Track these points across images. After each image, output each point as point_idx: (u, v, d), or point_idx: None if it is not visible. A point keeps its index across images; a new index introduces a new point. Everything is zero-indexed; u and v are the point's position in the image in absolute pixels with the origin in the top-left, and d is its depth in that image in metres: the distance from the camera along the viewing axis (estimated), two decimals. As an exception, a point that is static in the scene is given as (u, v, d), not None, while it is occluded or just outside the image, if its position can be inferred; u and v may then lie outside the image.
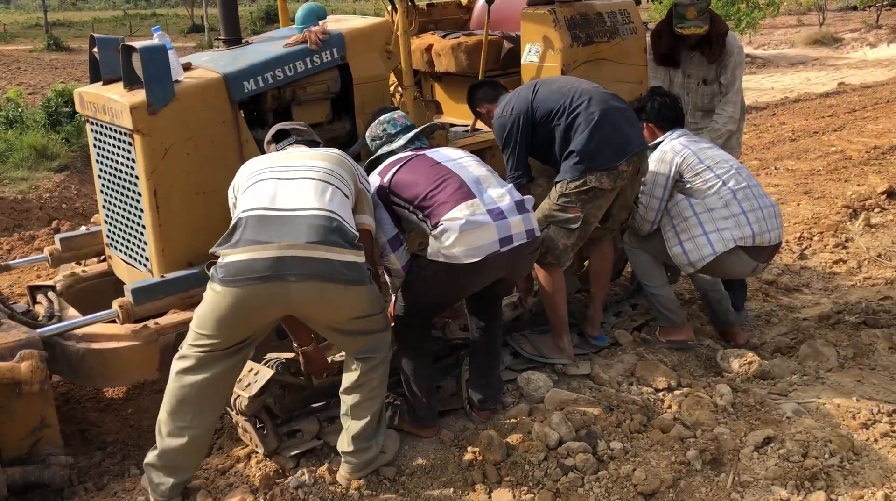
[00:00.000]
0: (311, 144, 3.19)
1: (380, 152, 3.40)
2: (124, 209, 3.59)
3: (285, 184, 2.79)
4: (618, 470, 2.91)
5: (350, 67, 3.88)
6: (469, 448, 3.12)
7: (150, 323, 3.34)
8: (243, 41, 3.97)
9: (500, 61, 4.61)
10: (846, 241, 6.24)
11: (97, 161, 3.73)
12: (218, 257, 2.67)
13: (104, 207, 3.78)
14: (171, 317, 3.40)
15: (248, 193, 2.80)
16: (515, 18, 4.51)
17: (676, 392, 3.51)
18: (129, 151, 3.39)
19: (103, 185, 3.72)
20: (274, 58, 3.64)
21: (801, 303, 4.99)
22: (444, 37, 4.73)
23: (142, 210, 3.43)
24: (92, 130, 3.68)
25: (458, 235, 2.93)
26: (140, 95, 3.28)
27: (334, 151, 3.06)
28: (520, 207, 3.08)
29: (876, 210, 7.03)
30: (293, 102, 3.78)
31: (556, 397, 3.40)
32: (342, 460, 2.95)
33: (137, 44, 3.28)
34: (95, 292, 3.95)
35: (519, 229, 3.04)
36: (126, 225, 3.62)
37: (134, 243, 3.59)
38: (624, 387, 3.58)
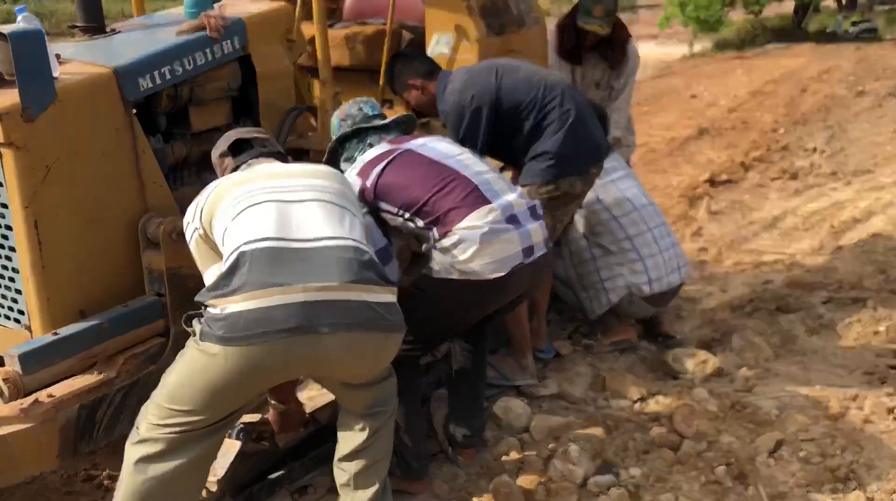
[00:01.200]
0: (280, 156, 2.58)
1: (357, 128, 2.92)
2: (-21, 250, 2.72)
3: (291, 208, 2.20)
4: (656, 501, 2.61)
5: (252, 59, 3.26)
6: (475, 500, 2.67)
7: (42, 397, 2.54)
8: (109, 29, 3.19)
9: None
10: (699, 229, 6.45)
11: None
12: (205, 306, 2.01)
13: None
14: (69, 385, 2.62)
15: (244, 219, 2.17)
16: (406, 7, 4.09)
17: (658, 401, 3.28)
18: None
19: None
20: (171, 48, 2.95)
21: (695, 294, 5.01)
22: (330, 27, 4.17)
23: (12, 249, 2.61)
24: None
25: (478, 246, 2.48)
26: (6, 97, 2.48)
27: (325, 167, 2.50)
28: (534, 213, 2.69)
29: (706, 198, 7.39)
30: (191, 103, 3.10)
31: (544, 424, 3.05)
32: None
33: (4, 29, 2.46)
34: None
35: (538, 239, 2.65)
36: (-18, 270, 2.75)
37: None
38: (601, 403, 3.30)
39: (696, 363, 3.66)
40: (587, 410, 3.21)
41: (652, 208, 3.89)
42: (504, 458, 2.89)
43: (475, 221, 2.53)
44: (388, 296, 2.09)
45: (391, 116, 2.99)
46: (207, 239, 2.31)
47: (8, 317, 2.74)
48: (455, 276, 2.52)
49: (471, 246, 2.50)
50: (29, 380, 2.48)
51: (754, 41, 18.32)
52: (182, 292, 2.85)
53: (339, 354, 2.03)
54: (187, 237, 2.38)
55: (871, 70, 14.13)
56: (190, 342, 2.08)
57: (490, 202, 2.58)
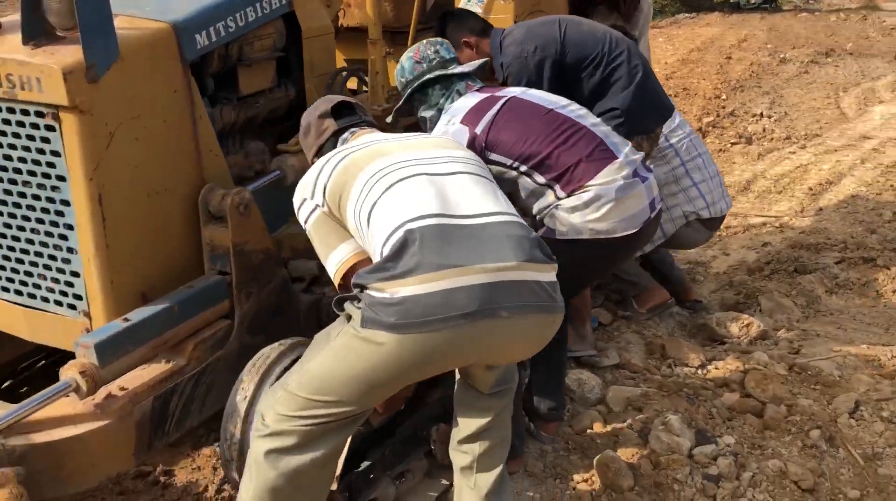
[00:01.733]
0: (372, 125, 2.42)
1: (435, 75, 2.71)
2: (23, 229, 2.42)
3: (444, 182, 2.01)
4: (764, 470, 2.56)
5: (298, 15, 3.01)
6: (575, 478, 2.56)
7: (115, 390, 2.30)
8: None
9: (427, 13, 3.94)
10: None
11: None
12: (363, 289, 1.82)
13: (-36, 229, 2.54)
14: (140, 376, 2.38)
15: (398, 195, 1.96)
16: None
17: (718, 367, 3.24)
18: (44, 142, 2.26)
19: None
20: (225, 1, 2.68)
21: (698, 257, 5.01)
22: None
23: (69, 227, 2.33)
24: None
25: (613, 203, 2.37)
26: (68, 54, 2.20)
27: (443, 136, 2.34)
28: (646, 165, 2.57)
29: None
30: (240, 63, 2.84)
31: (621, 395, 2.97)
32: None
33: (66, -25, 2.17)
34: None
35: (656, 191, 2.54)
36: (24, 253, 2.45)
37: (43, 278, 2.45)
38: (665, 371, 3.24)
39: (740, 326, 3.64)
40: (654, 378, 3.14)
41: (697, 137, 3.84)
42: (590, 431, 2.79)
43: (608, 176, 2.40)
44: (553, 274, 1.93)
45: None
46: (333, 216, 2.13)
47: (60, 303, 2.46)
48: (586, 236, 2.39)
49: (606, 203, 2.38)
50: (105, 372, 2.23)
51: (664, 10, 18.63)
52: (247, 269, 2.64)
53: (511, 338, 1.88)
54: (302, 216, 2.20)
55: (785, 38, 14.54)
56: (345, 329, 1.89)
57: (617, 156, 2.45)
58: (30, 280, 2.49)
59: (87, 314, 2.41)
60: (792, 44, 14.74)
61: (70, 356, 2.26)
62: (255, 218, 2.65)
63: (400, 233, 1.85)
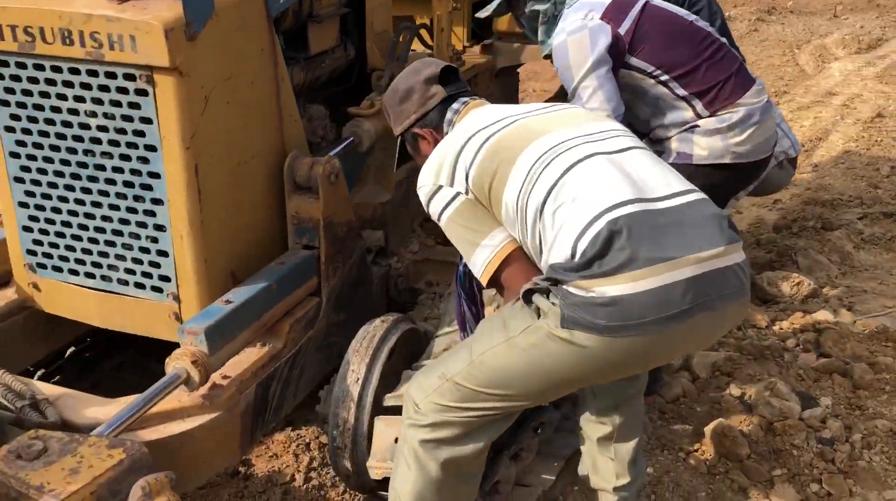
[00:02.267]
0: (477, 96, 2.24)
1: None
2: (99, 206, 2.20)
3: (621, 160, 1.82)
4: (873, 431, 2.54)
5: (360, -31, 2.81)
6: (684, 448, 2.50)
7: (218, 379, 2.12)
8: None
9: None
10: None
11: (7, 130, 2.21)
12: (558, 284, 1.68)
13: (21, 204, 2.29)
14: (240, 363, 2.20)
15: (579, 180, 1.76)
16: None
17: (783, 327, 3.22)
18: (133, 108, 2.04)
19: (24, 169, 2.23)
20: (299, -49, 2.46)
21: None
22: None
23: (157, 202, 2.12)
24: (10, 75, 2.15)
25: (758, 125, 2.30)
26: (164, 9, 1.97)
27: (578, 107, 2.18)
28: None
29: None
30: (310, 19, 2.63)
31: (705, 361, 2.91)
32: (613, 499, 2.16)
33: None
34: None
35: None
36: (99, 231, 2.23)
37: (122, 259, 2.23)
38: (737, 333, 3.19)
39: (791, 285, 3.63)
40: (728, 341, 3.09)
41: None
42: (683, 399, 2.72)
43: (754, 97, 2.32)
44: (743, 254, 1.79)
45: None
46: (479, 204, 1.93)
47: (142, 286, 2.24)
48: (727, 160, 2.29)
49: (752, 125, 2.31)
50: (213, 360, 2.05)
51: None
52: (335, 242, 2.47)
53: (715, 327, 1.76)
54: (437, 205, 1.97)
55: (722, -5, 14.77)
56: (535, 325, 1.73)
57: (754, 79, 2.38)
58: (105, 261, 2.26)
59: (176, 297, 2.21)
60: (733, 2, 14.91)
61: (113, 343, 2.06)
62: (343, 188, 2.47)
63: (601, 224, 1.66)
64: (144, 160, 2.09)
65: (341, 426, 2.24)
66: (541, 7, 2.58)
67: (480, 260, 1.91)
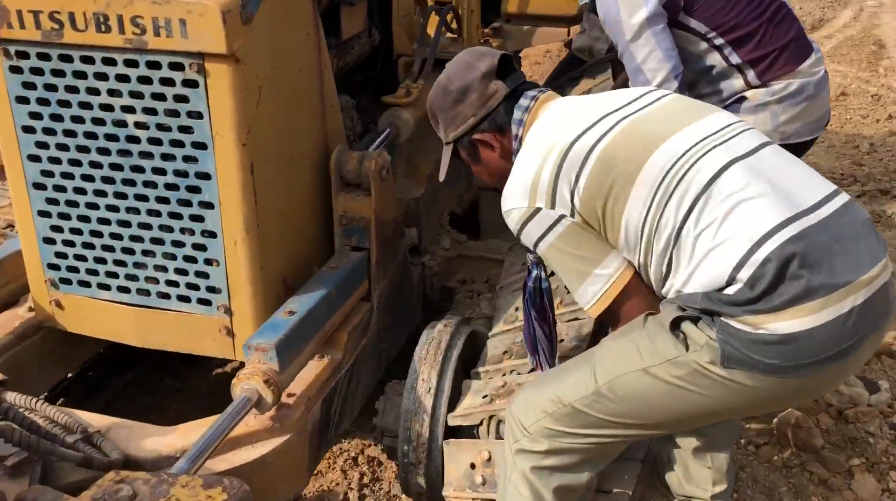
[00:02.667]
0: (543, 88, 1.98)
1: None
2: (136, 212, 1.98)
3: (758, 165, 1.61)
4: (942, 413, 2.48)
5: (386, -53, 2.63)
6: (753, 440, 2.40)
7: (284, 398, 1.93)
8: None
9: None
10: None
11: (26, 130, 1.97)
12: (719, 316, 1.52)
13: (42, 213, 2.06)
14: (303, 379, 2.02)
15: (721, 194, 1.56)
16: None
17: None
18: (179, 102, 1.83)
19: (46, 173, 2.00)
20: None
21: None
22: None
23: (206, 205, 1.91)
24: (30, 68, 1.90)
25: (811, 102, 2.19)
26: (212, -11, 1.77)
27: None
28: None
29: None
30: (342, 2, 2.44)
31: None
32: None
33: None
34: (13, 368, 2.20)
35: None
36: (136, 241, 2.01)
37: (162, 270, 2.02)
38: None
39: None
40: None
41: None
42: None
43: (813, 67, 2.20)
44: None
45: None
46: (587, 227, 1.70)
47: (186, 299, 2.03)
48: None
49: (804, 100, 2.19)
50: (284, 378, 1.87)
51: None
52: (384, 242, 2.31)
53: (870, 351, 1.59)
54: (536, 231, 1.72)
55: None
56: (682, 359, 1.56)
57: (812, 47, 2.25)
58: (142, 274, 2.04)
59: (228, 310, 2.01)
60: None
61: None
62: (391, 184, 2.30)
63: (765, 251, 1.48)
64: (192, 160, 1.88)
65: (414, 441, 2.07)
66: None
67: (592, 292, 1.71)
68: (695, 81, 2.36)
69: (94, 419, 1.86)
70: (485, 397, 2.10)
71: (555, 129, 1.77)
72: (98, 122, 1.90)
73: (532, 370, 2.11)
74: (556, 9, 3.44)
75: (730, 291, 1.50)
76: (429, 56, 2.63)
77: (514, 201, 1.75)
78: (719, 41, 2.27)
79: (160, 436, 1.83)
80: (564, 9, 3.41)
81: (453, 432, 2.09)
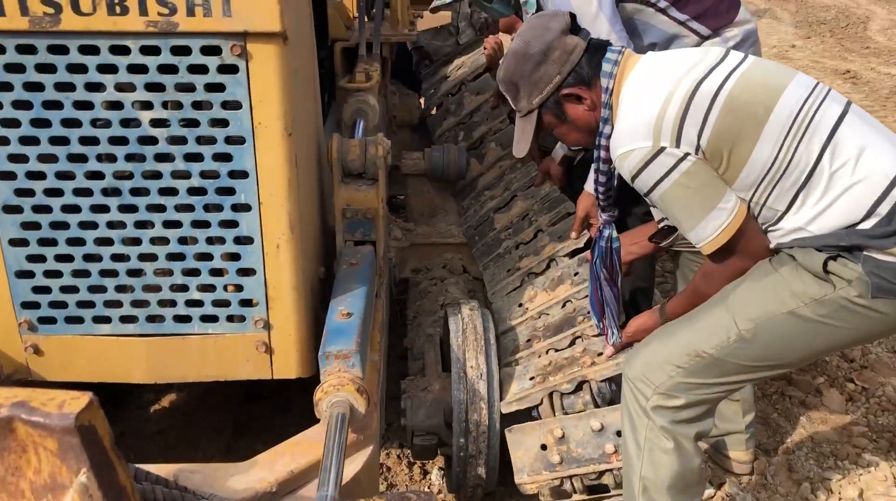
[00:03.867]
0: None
1: None
2: (149, 226, 1.74)
3: (862, 115, 1.81)
4: None
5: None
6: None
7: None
8: None
9: None
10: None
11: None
12: (857, 250, 1.66)
13: (15, 242, 1.74)
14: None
15: (852, 139, 1.72)
16: None
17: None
18: (213, 91, 1.63)
19: (23, 192, 1.69)
20: None
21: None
22: None
23: (242, 208, 1.72)
24: (4, 66, 1.58)
25: (755, 50, 2.49)
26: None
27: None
28: None
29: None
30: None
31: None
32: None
33: None
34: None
35: None
36: (151, 257, 1.76)
37: (185, 287, 1.79)
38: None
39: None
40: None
41: None
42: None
43: (746, 16, 2.47)
44: None
45: None
46: (708, 165, 1.77)
47: (212, 319, 1.81)
48: None
49: (751, 47, 2.45)
50: (367, 386, 1.73)
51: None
52: (385, 233, 2.20)
53: None
54: (659, 169, 1.77)
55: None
56: (832, 295, 1.67)
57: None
58: (154, 297, 1.79)
59: (266, 324, 1.82)
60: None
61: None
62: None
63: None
64: (225, 158, 1.67)
65: (473, 431, 2.01)
66: None
67: (715, 225, 1.77)
68: (649, 49, 2.48)
69: (162, 469, 1.59)
70: (532, 378, 2.08)
71: (666, 75, 1.83)
72: (101, 124, 1.63)
73: (599, 334, 2.12)
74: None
75: (865, 225, 1.64)
76: (374, 37, 2.52)
77: (633, 142, 1.78)
78: (663, 4, 2.42)
79: (243, 474, 1.61)
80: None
81: (506, 419, 2.05)
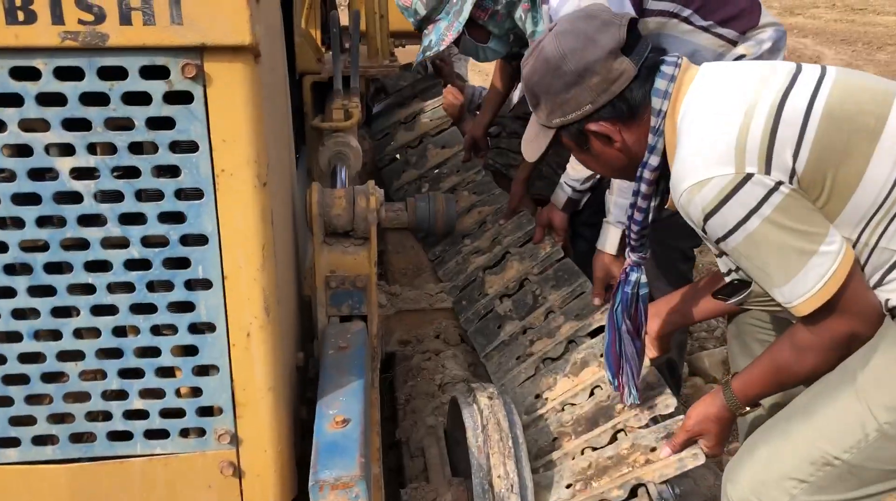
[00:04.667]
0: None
1: None
2: (65, 314, 1.30)
3: None
4: None
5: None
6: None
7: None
8: None
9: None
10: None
11: None
12: None
13: None
14: None
15: None
16: None
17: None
18: (160, 127, 1.20)
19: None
20: None
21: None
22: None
23: (201, 285, 1.29)
24: None
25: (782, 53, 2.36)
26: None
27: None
28: None
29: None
30: None
31: (714, 360, 2.67)
32: None
33: None
34: None
35: None
36: (73, 356, 1.31)
37: (123, 394, 1.34)
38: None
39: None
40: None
41: None
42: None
43: (771, 18, 2.31)
44: None
45: None
46: (804, 195, 1.42)
47: (160, 434, 1.36)
48: None
49: (781, 50, 2.31)
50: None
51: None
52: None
53: None
54: (747, 202, 1.40)
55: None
56: None
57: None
58: (80, 409, 1.33)
59: (234, 438, 1.37)
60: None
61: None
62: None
63: None
64: (176, 218, 1.24)
65: (505, 559, 1.56)
66: (499, 6, 2.19)
67: (816, 275, 1.39)
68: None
69: None
70: (569, 486, 1.67)
71: (738, 87, 1.49)
72: (1, 176, 1.19)
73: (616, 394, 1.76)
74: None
75: None
76: (352, 70, 2.13)
77: (708, 170, 1.41)
78: (686, 13, 2.22)
79: None
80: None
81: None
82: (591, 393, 1.87)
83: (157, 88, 1.16)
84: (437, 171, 2.82)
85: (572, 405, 1.87)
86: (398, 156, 3.02)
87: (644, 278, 1.73)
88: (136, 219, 1.23)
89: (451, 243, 2.60)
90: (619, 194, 2.12)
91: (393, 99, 3.23)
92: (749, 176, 1.39)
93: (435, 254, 2.63)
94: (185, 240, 1.25)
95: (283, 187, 1.51)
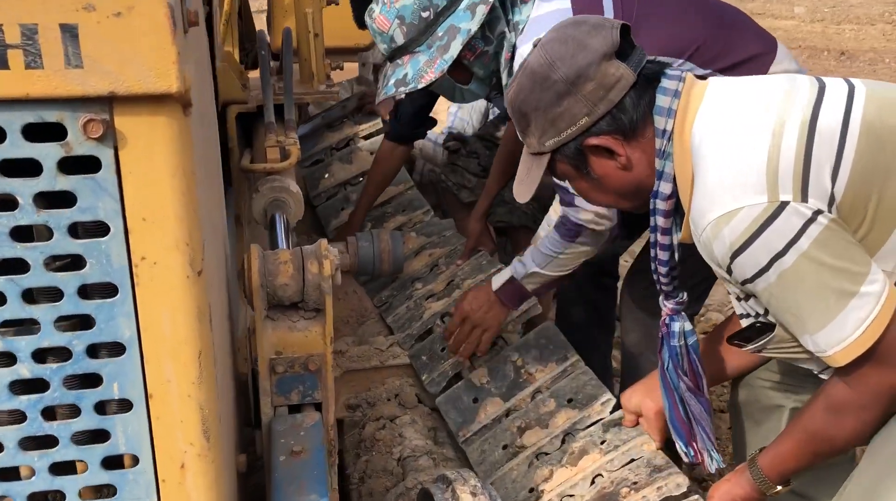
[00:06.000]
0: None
1: None
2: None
3: None
4: None
5: None
6: None
7: None
8: None
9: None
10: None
11: None
12: None
13: None
14: None
15: None
16: None
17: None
18: (60, 203, 0.90)
19: None
20: None
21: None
22: None
23: (122, 406, 0.99)
24: None
25: None
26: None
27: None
28: None
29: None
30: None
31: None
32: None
33: None
34: None
35: None
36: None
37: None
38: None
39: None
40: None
41: None
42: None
43: (789, 60, 2.06)
44: None
45: None
46: (843, 226, 1.26)
47: None
48: None
49: None
50: None
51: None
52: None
53: None
54: (783, 236, 1.24)
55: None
56: None
57: (774, 39, 2.07)
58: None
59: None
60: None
61: None
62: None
63: None
64: (80, 324, 0.93)
65: None
66: (489, 48, 1.88)
67: (856, 320, 1.23)
68: None
69: None
70: None
71: (759, 104, 1.33)
72: None
73: (693, 465, 1.59)
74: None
75: None
76: (286, 97, 1.82)
77: (735, 199, 1.25)
78: (680, 60, 1.91)
79: None
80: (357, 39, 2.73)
81: None
82: (593, 482, 1.63)
83: (48, 153, 0.86)
84: (381, 209, 2.55)
85: (571, 496, 1.62)
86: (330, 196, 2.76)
87: (688, 326, 1.53)
88: (24, 327, 0.92)
89: (400, 286, 2.34)
90: (543, 243, 1.91)
91: (320, 120, 2.92)
92: (784, 204, 1.24)
93: (381, 299, 2.35)
94: (94, 351, 0.95)
95: (219, 267, 1.21)
